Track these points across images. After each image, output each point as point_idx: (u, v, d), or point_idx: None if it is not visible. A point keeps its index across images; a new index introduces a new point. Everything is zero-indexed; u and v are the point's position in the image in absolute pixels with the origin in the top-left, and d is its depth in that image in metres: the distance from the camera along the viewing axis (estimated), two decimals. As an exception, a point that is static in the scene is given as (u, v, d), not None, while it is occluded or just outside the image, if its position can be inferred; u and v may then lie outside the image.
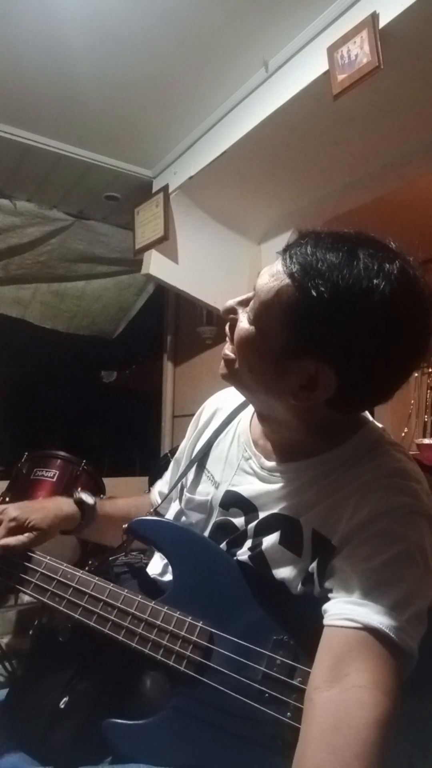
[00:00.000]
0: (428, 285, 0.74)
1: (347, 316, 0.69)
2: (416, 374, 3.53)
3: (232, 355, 0.82)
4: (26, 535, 0.94)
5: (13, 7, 1.75)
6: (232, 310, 0.83)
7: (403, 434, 3.44)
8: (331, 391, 0.74)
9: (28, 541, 0.93)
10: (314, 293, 0.70)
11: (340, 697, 0.64)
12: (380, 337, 0.70)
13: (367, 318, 0.69)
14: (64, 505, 1.01)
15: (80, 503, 1.02)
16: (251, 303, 0.79)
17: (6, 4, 1.75)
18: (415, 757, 0.74)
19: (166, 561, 0.95)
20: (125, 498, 1.18)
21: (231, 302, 0.83)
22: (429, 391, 3.46)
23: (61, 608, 0.87)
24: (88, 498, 1.03)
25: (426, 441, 3.28)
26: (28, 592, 0.89)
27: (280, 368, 0.76)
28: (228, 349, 0.83)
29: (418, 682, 0.71)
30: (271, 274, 0.76)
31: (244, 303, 0.82)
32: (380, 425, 0.89)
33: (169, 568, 0.93)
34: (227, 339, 0.84)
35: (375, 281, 0.69)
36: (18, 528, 0.92)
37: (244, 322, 0.79)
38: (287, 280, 0.73)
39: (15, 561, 0.92)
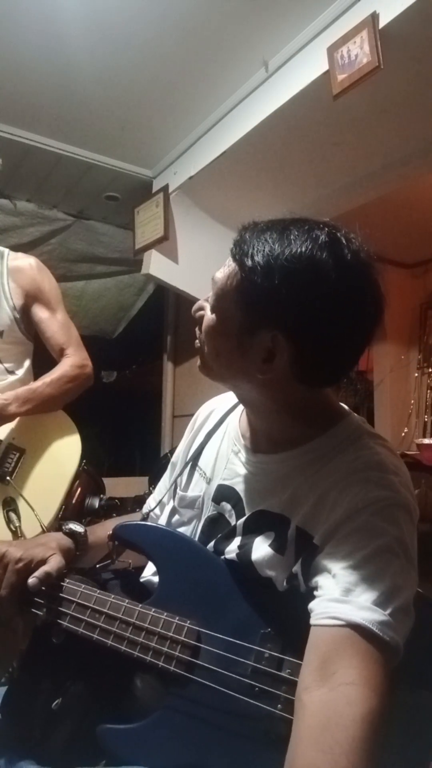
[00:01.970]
0: (365, 250, 0.77)
1: (281, 280, 0.74)
2: (416, 374, 3.54)
3: (202, 348, 0.87)
4: (53, 560, 0.91)
5: (13, 7, 1.76)
6: (200, 307, 0.88)
7: (403, 434, 3.44)
8: (286, 357, 0.76)
9: (59, 566, 0.91)
10: (250, 264, 0.76)
11: (328, 695, 0.64)
12: (315, 297, 0.74)
13: (299, 280, 0.74)
14: (58, 538, 0.99)
15: (71, 534, 1.01)
16: (212, 294, 0.84)
17: (6, 4, 1.75)
18: (410, 748, 0.74)
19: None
20: (114, 519, 1.17)
21: (199, 301, 0.89)
22: (429, 391, 3.47)
23: (50, 618, 0.87)
24: (77, 527, 1.02)
25: (426, 441, 3.28)
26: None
27: (242, 347, 0.79)
28: (199, 343, 0.88)
29: (412, 672, 0.71)
30: (225, 264, 0.82)
31: (208, 299, 0.87)
32: (360, 417, 0.90)
33: None
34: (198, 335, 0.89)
35: (303, 246, 0.74)
36: (26, 568, 0.89)
37: (207, 314, 0.85)
38: (233, 265, 0.80)
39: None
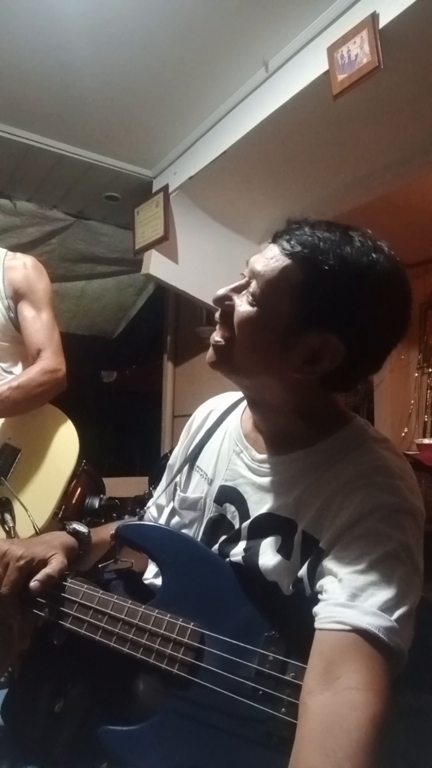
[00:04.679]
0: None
1: (356, 286, 0.75)
2: (416, 374, 3.54)
3: (223, 341, 0.84)
4: (54, 560, 0.89)
5: (13, 7, 1.75)
6: (227, 297, 0.84)
7: (403, 434, 3.44)
8: (338, 361, 0.77)
9: (61, 567, 0.89)
10: (325, 267, 0.75)
11: (332, 699, 0.64)
12: (382, 305, 0.76)
13: (372, 288, 0.75)
14: (62, 537, 0.98)
15: (75, 534, 0.99)
16: (252, 285, 0.81)
17: (6, 4, 1.74)
18: (412, 752, 0.74)
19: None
20: (117, 522, 1.17)
21: (223, 290, 0.85)
22: (429, 391, 3.47)
23: (52, 618, 0.86)
24: (81, 528, 1.00)
25: (426, 441, 3.28)
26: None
27: (286, 344, 0.78)
28: (218, 336, 0.85)
29: (415, 677, 0.71)
30: (269, 257, 0.80)
31: (237, 290, 0.84)
32: (364, 420, 0.90)
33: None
34: (218, 327, 0.86)
35: (374, 255, 0.76)
36: (28, 566, 0.88)
37: (244, 305, 0.81)
38: (288, 261, 0.77)
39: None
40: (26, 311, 1.75)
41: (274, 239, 0.81)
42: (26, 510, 1.57)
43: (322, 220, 0.80)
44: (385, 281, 0.76)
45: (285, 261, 0.78)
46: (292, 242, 0.78)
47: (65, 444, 1.73)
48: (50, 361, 1.70)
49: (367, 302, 0.75)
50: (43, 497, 1.64)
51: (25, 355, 1.78)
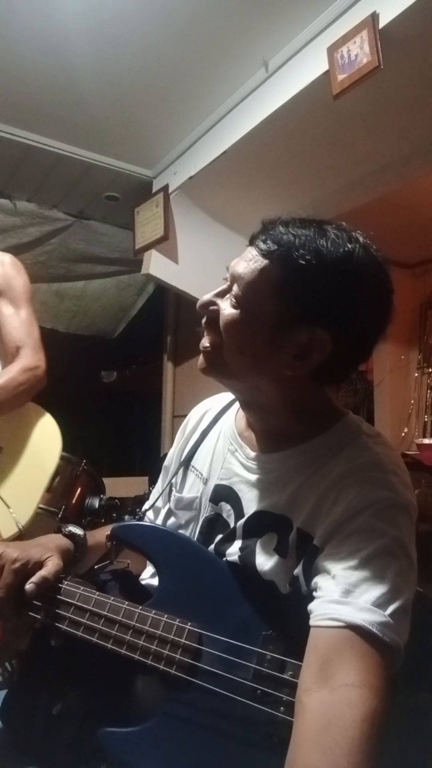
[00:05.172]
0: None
1: (335, 278, 0.76)
2: (416, 374, 3.54)
3: (211, 347, 0.85)
4: (50, 562, 0.89)
5: (13, 7, 1.75)
6: (211, 303, 0.85)
7: (403, 434, 3.44)
8: (326, 353, 0.77)
9: (57, 569, 0.88)
10: (302, 262, 0.75)
11: (328, 697, 0.64)
12: (363, 293, 0.77)
13: (351, 277, 0.76)
14: (57, 539, 0.98)
15: (71, 536, 0.99)
16: (234, 289, 0.81)
17: (6, 4, 1.74)
18: (411, 750, 0.74)
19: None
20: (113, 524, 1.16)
21: (207, 296, 0.86)
22: (429, 391, 3.47)
23: (48, 621, 0.86)
24: (76, 530, 1.00)
25: (426, 441, 3.28)
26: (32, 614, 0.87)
27: (275, 343, 0.78)
28: (206, 342, 0.85)
29: (413, 674, 0.71)
30: (248, 259, 0.80)
31: (220, 294, 0.85)
32: (357, 416, 0.90)
33: None
34: (204, 333, 0.86)
35: (349, 246, 0.77)
36: (23, 568, 0.87)
37: (228, 309, 0.82)
38: (266, 261, 0.78)
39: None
40: (4, 308, 1.74)
41: (251, 241, 0.82)
42: (8, 507, 1.56)
43: (296, 217, 0.81)
44: (362, 270, 0.77)
45: (263, 261, 0.78)
46: (268, 242, 0.78)
47: (47, 439, 1.72)
48: (30, 358, 1.70)
49: (348, 292, 0.76)
50: (25, 494, 1.63)
51: (5, 352, 1.77)
